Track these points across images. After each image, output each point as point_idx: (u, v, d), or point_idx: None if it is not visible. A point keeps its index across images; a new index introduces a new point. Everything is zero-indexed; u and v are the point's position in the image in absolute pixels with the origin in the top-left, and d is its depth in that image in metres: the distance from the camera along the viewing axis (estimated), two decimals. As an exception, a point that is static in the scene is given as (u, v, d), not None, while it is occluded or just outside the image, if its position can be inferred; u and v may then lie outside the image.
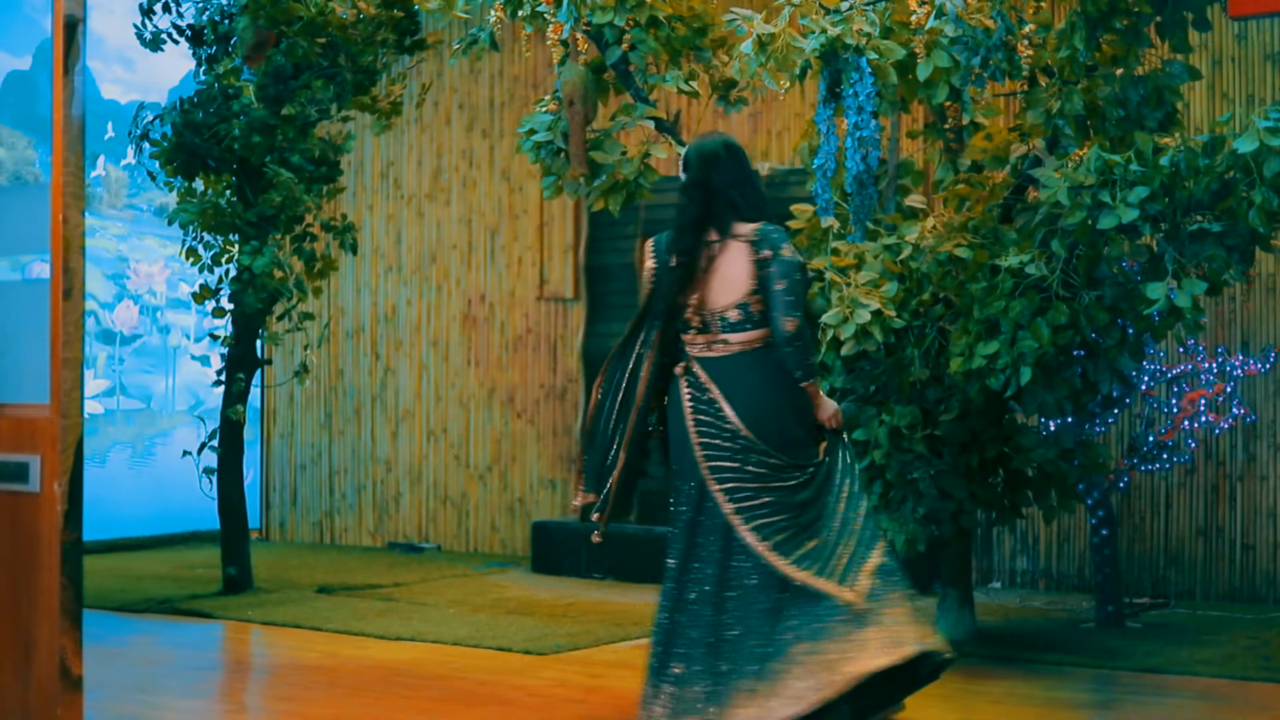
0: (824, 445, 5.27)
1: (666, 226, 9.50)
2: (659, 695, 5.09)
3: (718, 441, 5.14)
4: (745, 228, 5.22)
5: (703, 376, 5.21)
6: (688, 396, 5.22)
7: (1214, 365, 7.85)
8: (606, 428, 5.34)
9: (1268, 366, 7.98)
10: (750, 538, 5.05)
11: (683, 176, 5.41)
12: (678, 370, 5.27)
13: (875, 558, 5.14)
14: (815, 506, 5.16)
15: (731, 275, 5.18)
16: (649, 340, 5.30)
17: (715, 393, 5.18)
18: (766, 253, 5.14)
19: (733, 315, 5.18)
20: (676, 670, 5.08)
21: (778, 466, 5.13)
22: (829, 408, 5.27)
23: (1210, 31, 6.50)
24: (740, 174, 5.33)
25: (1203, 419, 7.74)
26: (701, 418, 5.18)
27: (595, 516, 5.28)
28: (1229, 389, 7.89)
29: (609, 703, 5.94)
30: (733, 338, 5.20)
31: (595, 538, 5.32)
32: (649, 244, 5.39)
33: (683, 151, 5.48)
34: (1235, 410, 7.90)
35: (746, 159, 5.41)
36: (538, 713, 5.84)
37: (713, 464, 5.13)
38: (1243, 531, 8.23)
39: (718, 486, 5.11)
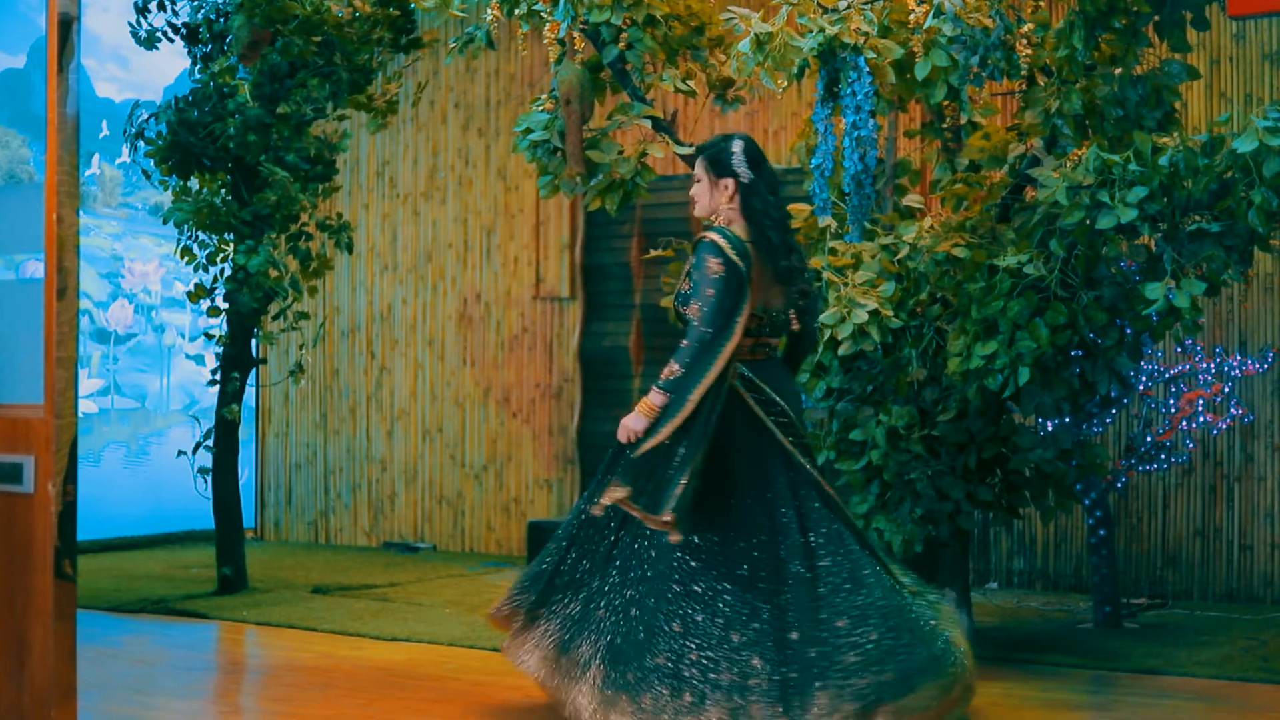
0: None
1: (664, 226, 9.51)
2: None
3: (796, 438, 5.33)
4: None
5: (756, 380, 5.32)
6: (752, 399, 5.30)
7: (1212, 365, 7.84)
8: (677, 430, 5.19)
9: (1265, 366, 7.96)
10: (845, 516, 5.35)
11: (750, 174, 5.38)
12: (732, 375, 5.28)
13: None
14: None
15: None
16: (736, 344, 5.25)
17: (772, 394, 5.31)
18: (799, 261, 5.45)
19: (781, 319, 5.40)
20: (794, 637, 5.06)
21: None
22: None
23: (1209, 31, 6.47)
24: None
25: (1201, 419, 7.73)
26: (775, 417, 5.30)
27: (667, 518, 5.05)
28: (1227, 389, 7.87)
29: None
30: (774, 342, 5.43)
31: (675, 538, 5.15)
32: (725, 243, 5.23)
33: (742, 147, 5.42)
34: (1234, 411, 7.88)
35: None
36: (534, 714, 5.80)
37: (806, 457, 5.34)
38: (1240, 532, 8.22)
39: (819, 476, 5.33)
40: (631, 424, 5.20)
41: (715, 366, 5.13)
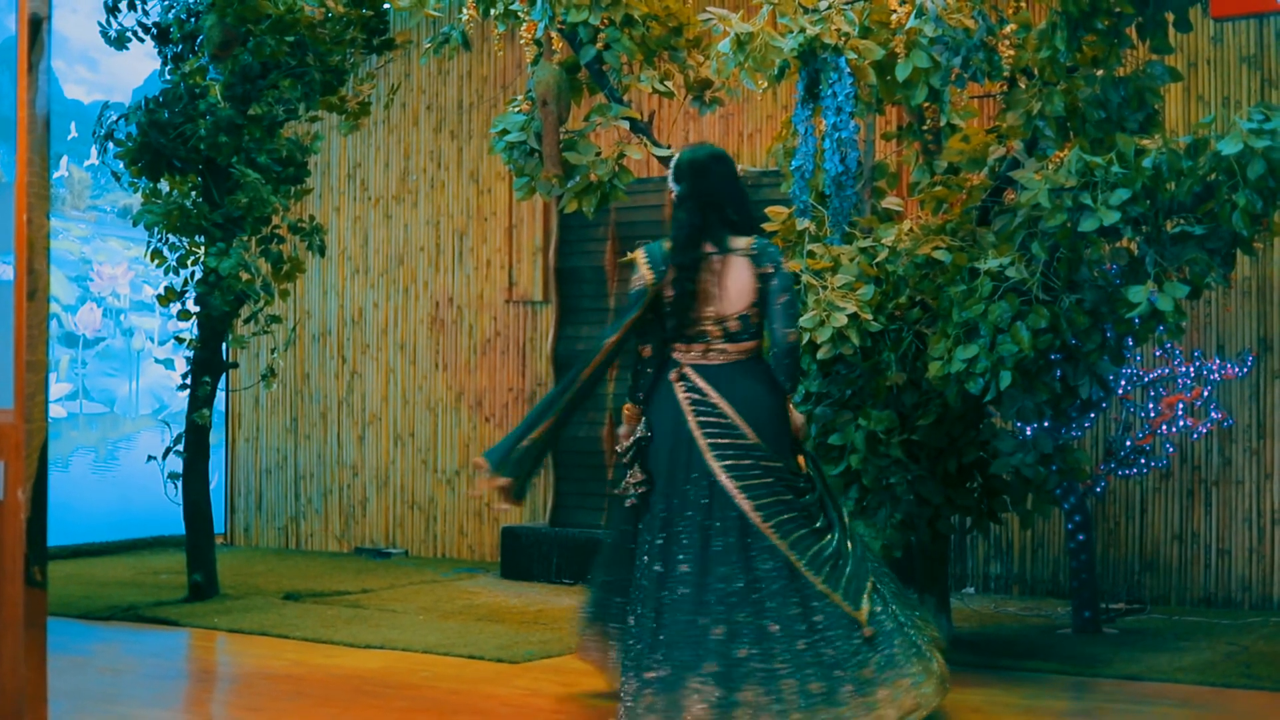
0: (802, 458, 5.54)
1: (638, 229, 9.47)
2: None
3: (726, 442, 5.35)
4: (742, 241, 5.48)
5: (700, 383, 5.43)
6: (687, 401, 5.42)
7: (1191, 369, 7.80)
8: (535, 415, 5.78)
9: (1244, 371, 7.94)
10: (772, 536, 5.25)
11: (675, 188, 5.58)
12: (672, 377, 5.46)
13: (871, 579, 5.38)
14: (821, 514, 5.42)
15: (736, 288, 5.44)
16: (623, 347, 5.58)
17: (716, 398, 5.39)
18: (769, 267, 5.45)
19: (733, 325, 5.45)
20: (702, 676, 5.13)
21: (780, 470, 5.37)
22: (799, 419, 5.60)
23: (1190, 33, 6.45)
24: (733, 186, 5.56)
25: (1180, 423, 7.69)
26: (706, 419, 5.39)
27: (495, 481, 5.67)
28: (1206, 393, 7.84)
29: (583, 713, 5.85)
30: (730, 347, 5.46)
31: (490, 485, 5.70)
32: (641, 254, 5.54)
33: (673, 162, 5.64)
34: (1213, 415, 7.84)
35: (735, 170, 5.63)
36: (511, 722, 5.76)
37: (726, 464, 5.33)
38: (1218, 536, 8.19)
39: (735, 485, 5.30)
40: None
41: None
